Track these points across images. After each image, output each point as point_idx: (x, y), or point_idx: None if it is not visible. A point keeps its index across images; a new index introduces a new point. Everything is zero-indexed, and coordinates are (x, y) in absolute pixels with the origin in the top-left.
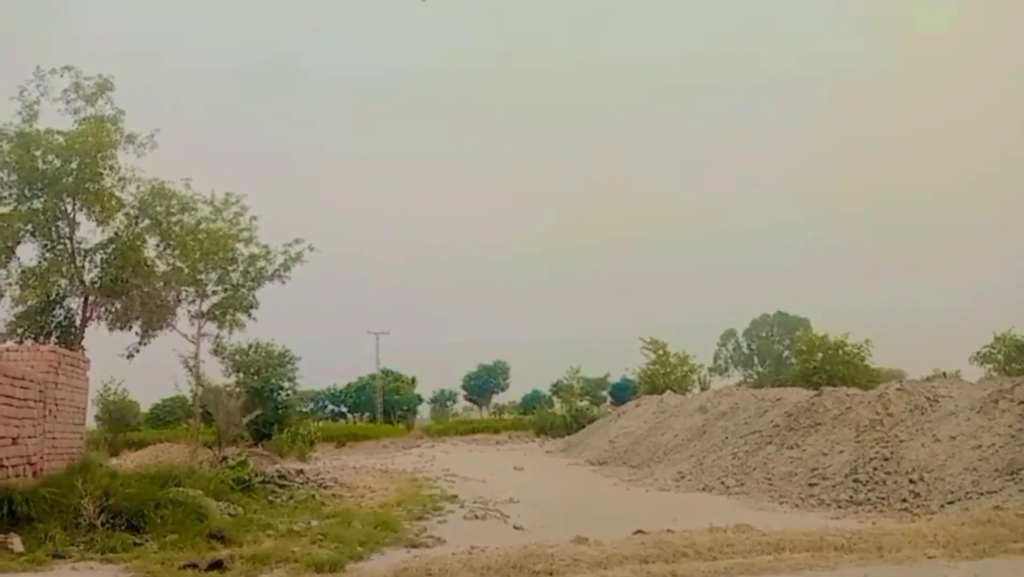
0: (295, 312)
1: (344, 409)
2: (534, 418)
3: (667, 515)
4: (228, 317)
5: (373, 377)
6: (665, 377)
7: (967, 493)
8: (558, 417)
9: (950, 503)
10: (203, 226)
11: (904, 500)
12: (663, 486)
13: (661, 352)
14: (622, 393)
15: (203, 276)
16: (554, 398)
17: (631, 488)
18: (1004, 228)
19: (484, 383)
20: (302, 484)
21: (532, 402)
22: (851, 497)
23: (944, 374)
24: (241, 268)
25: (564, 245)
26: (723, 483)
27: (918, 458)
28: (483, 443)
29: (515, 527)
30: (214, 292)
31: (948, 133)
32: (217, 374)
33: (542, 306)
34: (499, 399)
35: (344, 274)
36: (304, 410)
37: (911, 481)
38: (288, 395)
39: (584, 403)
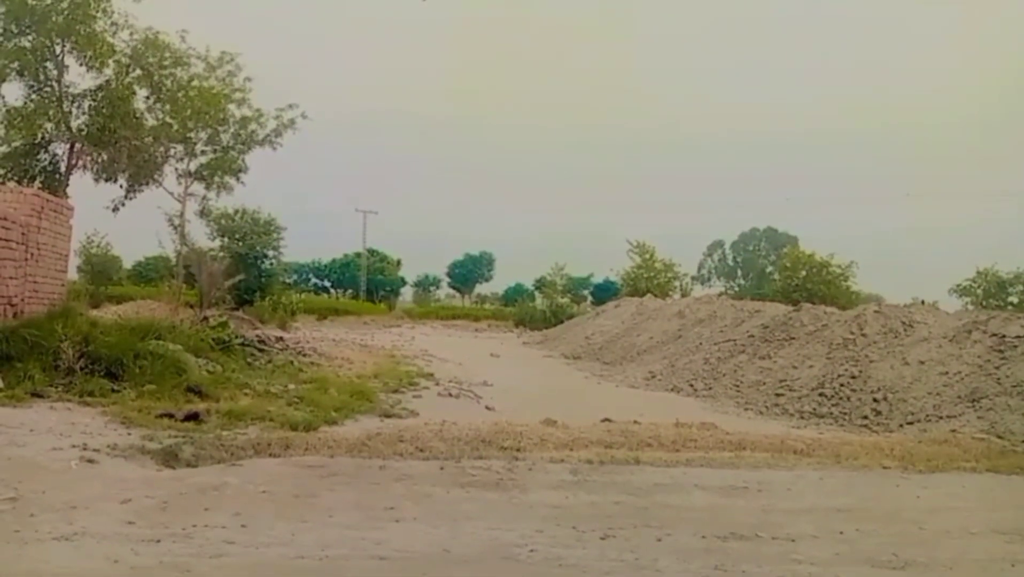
0: (284, 181)
1: (327, 284)
2: (515, 310)
3: (634, 409)
4: (216, 179)
5: (358, 255)
6: (648, 281)
7: (927, 416)
8: (538, 311)
9: (909, 423)
10: (195, 83)
11: (865, 417)
12: (633, 383)
13: (647, 256)
14: (604, 293)
15: (193, 134)
16: (536, 293)
17: (602, 382)
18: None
19: (469, 272)
20: (281, 350)
21: (514, 295)
22: (814, 410)
23: (923, 302)
24: (232, 130)
25: (568, 137)
26: (692, 385)
27: (885, 379)
28: (462, 329)
29: (487, 407)
30: (203, 152)
31: (970, 63)
32: (202, 237)
33: (534, 199)
34: (482, 289)
35: (337, 147)
36: (287, 281)
37: (875, 400)
38: (272, 264)
39: (565, 300)
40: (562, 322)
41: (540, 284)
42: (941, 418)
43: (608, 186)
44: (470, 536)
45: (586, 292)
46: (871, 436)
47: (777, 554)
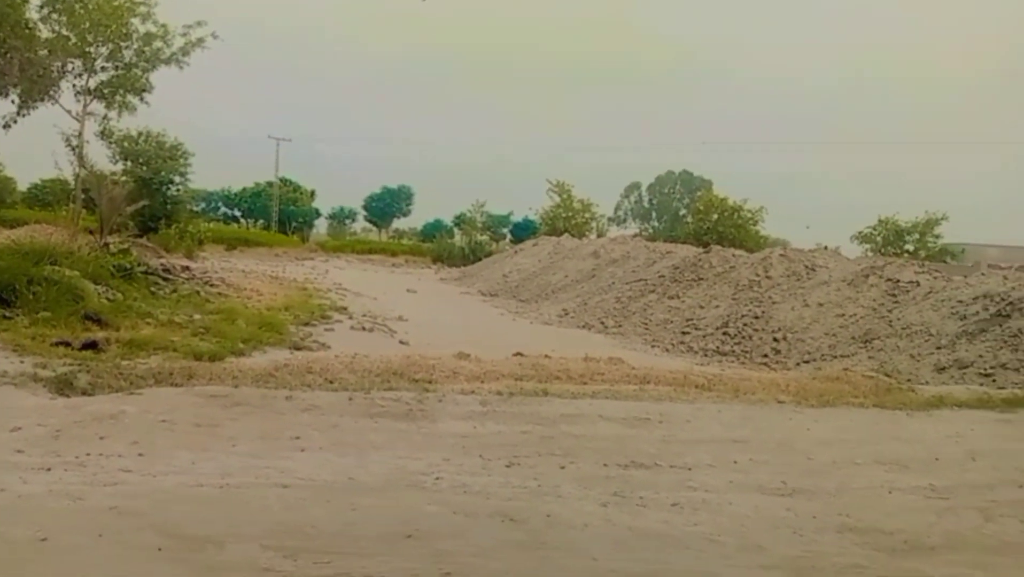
0: (194, 104)
1: (237, 214)
2: (433, 246)
3: (546, 344)
4: (118, 98)
5: (270, 184)
6: (566, 221)
7: (823, 355)
8: (456, 248)
9: (806, 361)
10: None
11: (765, 355)
12: (547, 320)
13: (566, 196)
14: (523, 232)
15: (92, 49)
16: (455, 229)
17: (516, 319)
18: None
19: (387, 206)
20: (187, 280)
21: (433, 230)
22: (718, 348)
23: (826, 248)
24: (135, 46)
25: (491, 70)
26: (602, 323)
27: (786, 319)
28: (378, 264)
29: (401, 341)
30: (103, 68)
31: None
32: (103, 160)
33: (455, 134)
34: (400, 224)
35: (250, 71)
36: (195, 209)
37: (775, 339)
38: (178, 190)
39: (484, 237)
40: (480, 259)
41: (459, 221)
42: (836, 357)
43: (530, 124)
44: (377, 465)
45: (505, 230)
46: (769, 373)
47: (674, 482)
